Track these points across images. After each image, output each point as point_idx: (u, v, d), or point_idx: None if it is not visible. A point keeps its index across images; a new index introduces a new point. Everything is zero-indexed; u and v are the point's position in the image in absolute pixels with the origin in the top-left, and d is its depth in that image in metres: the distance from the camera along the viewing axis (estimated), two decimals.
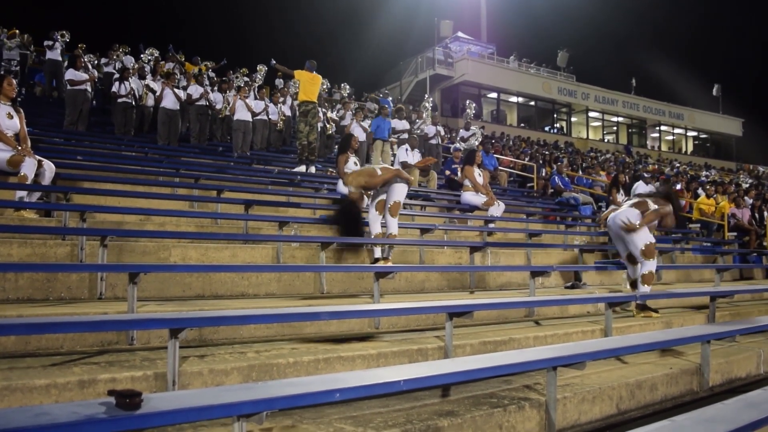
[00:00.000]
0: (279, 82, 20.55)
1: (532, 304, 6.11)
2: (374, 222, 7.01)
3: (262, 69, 17.43)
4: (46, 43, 15.08)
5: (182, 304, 4.72)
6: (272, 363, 3.60)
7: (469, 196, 10.56)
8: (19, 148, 6.49)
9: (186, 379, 3.26)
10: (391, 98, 21.87)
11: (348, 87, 20.41)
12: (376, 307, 4.67)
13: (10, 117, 6.51)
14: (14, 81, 6.83)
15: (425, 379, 2.88)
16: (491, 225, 10.12)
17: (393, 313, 4.83)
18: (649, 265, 6.58)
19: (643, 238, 6.60)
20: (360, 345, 4.33)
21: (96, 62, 16.11)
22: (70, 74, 11.98)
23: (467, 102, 19.74)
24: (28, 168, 6.39)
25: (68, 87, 12.02)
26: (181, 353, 3.20)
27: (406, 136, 14.15)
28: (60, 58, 14.70)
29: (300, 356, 3.76)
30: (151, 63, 16.11)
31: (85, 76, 12.12)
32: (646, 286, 6.58)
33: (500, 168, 16.15)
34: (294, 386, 2.50)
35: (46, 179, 6.62)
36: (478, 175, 10.61)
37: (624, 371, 4.46)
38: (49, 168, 6.64)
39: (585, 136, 38.43)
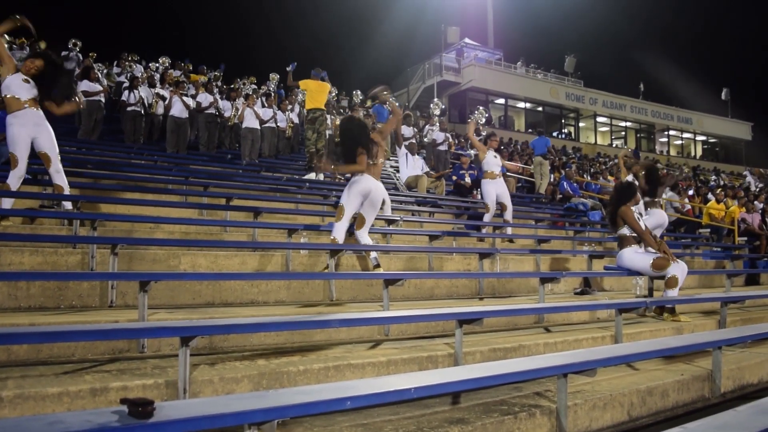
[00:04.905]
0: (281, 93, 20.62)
1: (541, 310, 6.09)
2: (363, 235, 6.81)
3: (274, 78, 17.53)
4: (62, 53, 15.24)
5: (192, 312, 4.74)
6: (282, 371, 3.60)
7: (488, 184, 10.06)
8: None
9: (197, 386, 3.27)
10: (397, 104, 21.83)
11: (360, 94, 20.49)
12: (385, 314, 4.67)
13: (27, 81, 6.36)
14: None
15: (436, 387, 2.88)
16: (509, 231, 10.07)
17: (403, 320, 4.82)
18: (671, 271, 6.62)
19: (643, 260, 6.75)
20: (370, 352, 4.33)
21: (105, 71, 16.26)
22: (85, 85, 12.13)
23: (478, 108, 19.73)
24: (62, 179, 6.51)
25: (83, 98, 12.15)
26: (191, 361, 3.21)
27: (414, 141, 14.18)
28: (77, 69, 14.83)
29: (310, 364, 3.77)
30: (160, 71, 16.24)
31: (100, 88, 12.32)
32: (669, 290, 6.62)
33: (508, 174, 16.13)
34: (305, 394, 2.50)
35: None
36: (494, 156, 10.29)
37: (635, 378, 4.44)
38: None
39: (593, 142, 38.33)
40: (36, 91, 6.37)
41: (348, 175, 6.91)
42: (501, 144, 23.20)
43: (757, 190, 23.22)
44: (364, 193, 6.52)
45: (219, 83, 17.57)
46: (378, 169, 6.70)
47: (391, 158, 16.48)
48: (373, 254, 6.62)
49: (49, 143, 6.40)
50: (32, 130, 6.29)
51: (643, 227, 6.75)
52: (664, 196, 14.65)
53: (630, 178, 8.64)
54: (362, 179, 6.51)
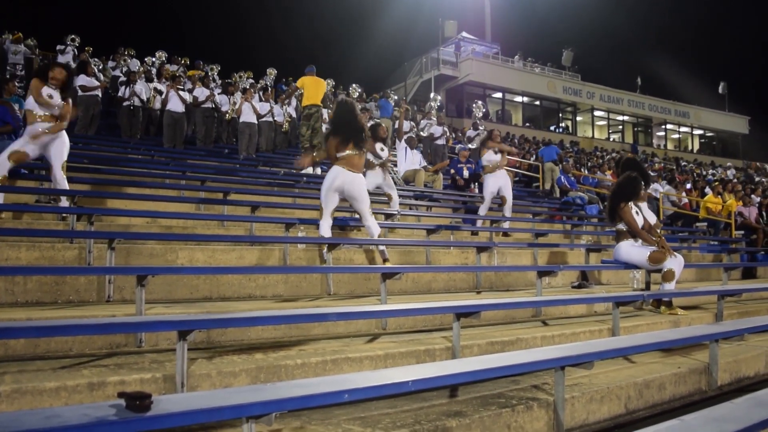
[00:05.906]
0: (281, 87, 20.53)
1: (539, 304, 6.10)
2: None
3: (272, 72, 17.45)
4: (58, 47, 15.19)
5: (190, 306, 4.74)
6: (280, 364, 3.61)
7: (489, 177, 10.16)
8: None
9: (194, 380, 3.27)
10: (396, 97, 21.83)
11: (359, 88, 20.41)
12: (383, 308, 4.68)
13: (50, 97, 6.43)
14: (61, 69, 6.61)
15: (433, 380, 2.88)
16: (506, 225, 10.08)
17: (400, 313, 4.83)
18: (667, 264, 6.66)
19: (640, 253, 6.80)
20: (367, 346, 4.33)
21: (101, 66, 16.18)
22: (82, 80, 12.09)
23: (476, 102, 19.72)
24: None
25: (80, 93, 12.11)
26: (189, 355, 3.21)
27: (413, 135, 14.15)
28: (72, 63, 14.79)
29: (308, 357, 3.77)
30: (156, 65, 16.16)
31: (97, 83, 12.29)
32: (666, 283, 6.68)
33: (506, 168, 16.09)
34: (303, 387, 2.51)
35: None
36: (495, 152, 10.31)
37: (632, 371, 4.45)
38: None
39: (590, 135, 38.30)
40: (59, 100, 6.48)
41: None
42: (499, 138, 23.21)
43: (733, 178, 23.67)
44: (335, 188, 6.40)
45: (215, 75, 17.47)
46: (356, 159, 6.50)
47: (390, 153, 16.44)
48: (381, 247, 6.69)
49: (58, 153, 6.47)
50: (41, 149, 6.49)
51: (641, 223, 6.76)
52: (661, 189, 14.70)
53: None
54: (330, 173, 6.41)
